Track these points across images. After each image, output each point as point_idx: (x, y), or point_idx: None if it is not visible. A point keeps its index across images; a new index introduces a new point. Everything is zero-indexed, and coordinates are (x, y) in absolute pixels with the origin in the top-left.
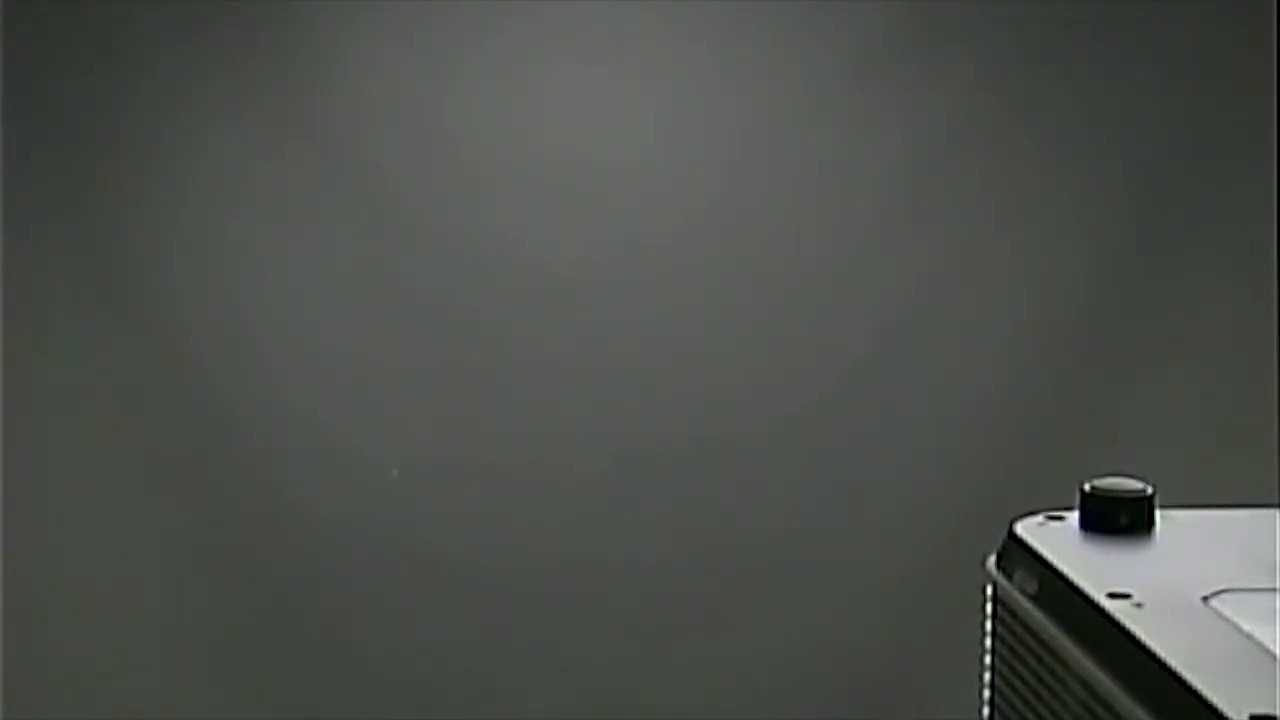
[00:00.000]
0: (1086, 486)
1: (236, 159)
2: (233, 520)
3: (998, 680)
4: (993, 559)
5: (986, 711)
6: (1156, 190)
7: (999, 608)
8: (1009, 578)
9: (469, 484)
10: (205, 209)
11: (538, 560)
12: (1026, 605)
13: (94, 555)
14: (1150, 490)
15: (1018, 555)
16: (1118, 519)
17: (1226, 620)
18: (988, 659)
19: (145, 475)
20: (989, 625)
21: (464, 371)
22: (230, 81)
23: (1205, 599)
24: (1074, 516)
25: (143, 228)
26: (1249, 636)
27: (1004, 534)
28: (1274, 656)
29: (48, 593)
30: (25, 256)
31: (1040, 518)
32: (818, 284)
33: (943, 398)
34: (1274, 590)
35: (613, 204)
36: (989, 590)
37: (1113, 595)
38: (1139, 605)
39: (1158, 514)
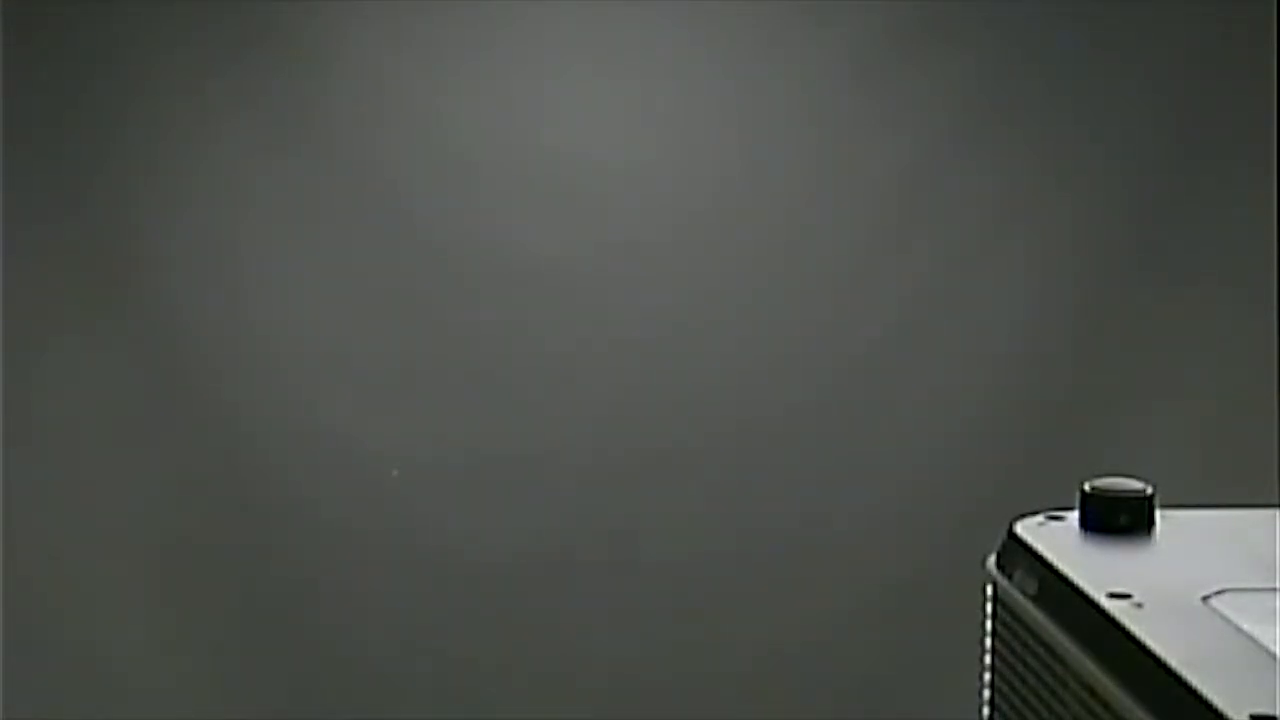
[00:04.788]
0: (1086, 486)
1: (237, 159)
2: (233, 519)
3: (998, 680)
4: (993, 559)
5: (986, 711)
6: (1156, 190)
7: (999, 608)
8: (1009, 578)
9: (470, 483)
10: (205, 209)
11: (538, 559)
12: (1026, 605)
13: (94, 554)
14: (1150, 490)
15: (1018, 555)
16: (1118, 519)
17: (1226, 620)
18: (988, 659)
19: (145, 474)
20: (989, 625)
21: (465, 371)
22: (230, 82)
23: (1205, 599)
24: (1074, 516)
25: (142, 227)
26: (1249, 636)
27: (1004, 534)
28: (1274, 656)
29: (48, 592)
30: (25, 256)
31: (1040, 518)
32: (817, 284)
33: (943, 398)
34: (1274, 590)
35: (612, 204)
36: (989, 590)
37: (1113, 595)
38: (1139, 605)
39: (1158, 514)
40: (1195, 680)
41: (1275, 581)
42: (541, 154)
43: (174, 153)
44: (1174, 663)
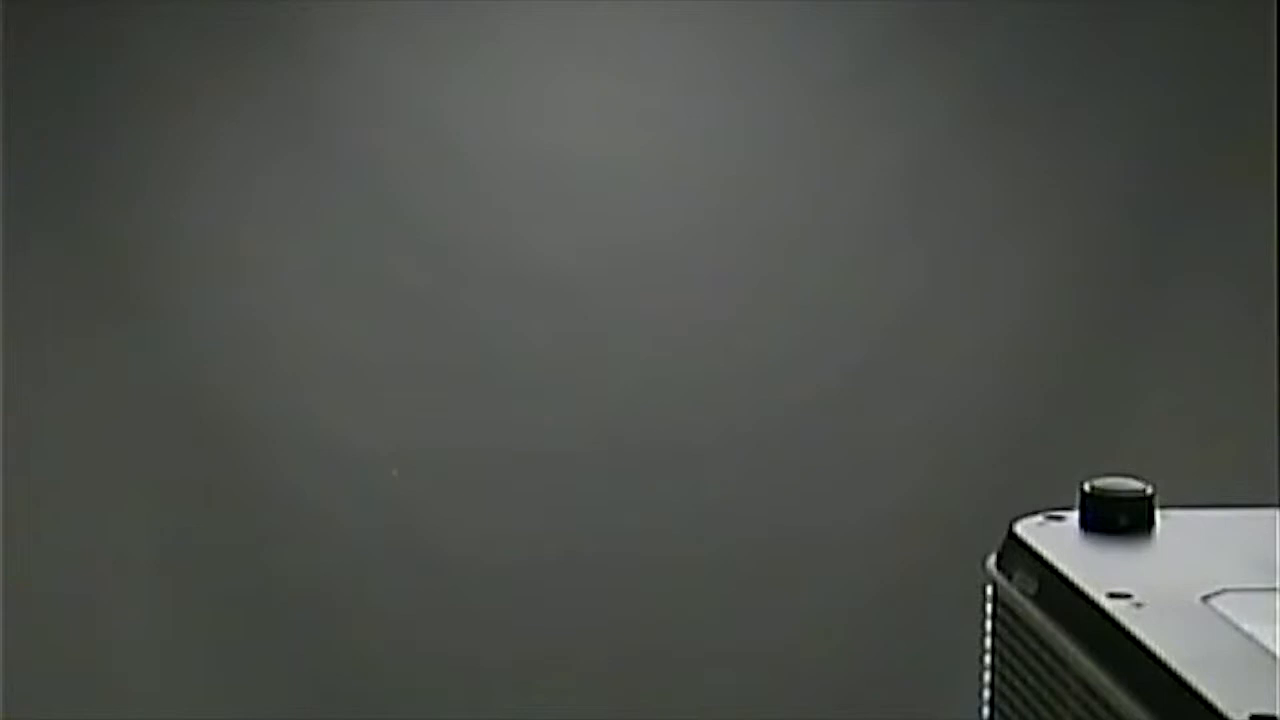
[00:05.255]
0: (1086, 486)
1: (236, 159)
2: (232, 520)
3: (998, 680)
4: (993, 559)
5: (986, 711)
6: (1156, 190)
7: (999, 608)
8: (1009, 578)
9: (469, 483)
10: (205, 208)
11: (537, 560)
12: (1026, 605)
13: (94, 555)
14: (1150, 490)
15: (1018, 555)
16: (1118, 519)
17: (1226, 620)
18: (988, 659)
19: (145, 474)
20: (989, 625)
21: (464, 370)
22: (230, 82)
23: (1205, 599)
24: (1074, 516)
25: (142, 227)
26: (1249, 636)
27: (1004, 534)
28: (1274, 656)
29: (48, 593)
30: (25, 256)
31: (1040, 518)
32: (818, 284)
33: (943, 398)
34: (1274, 590)
35: (612, 204)
36: (989, 590)
37: (1113, 595)
38: (1139, 605)
39: (1158, 514)
40: (1195, 680)
41: (1275, 581)
42: (542, 153)
43: (174, 153)
44: (1174, 663)
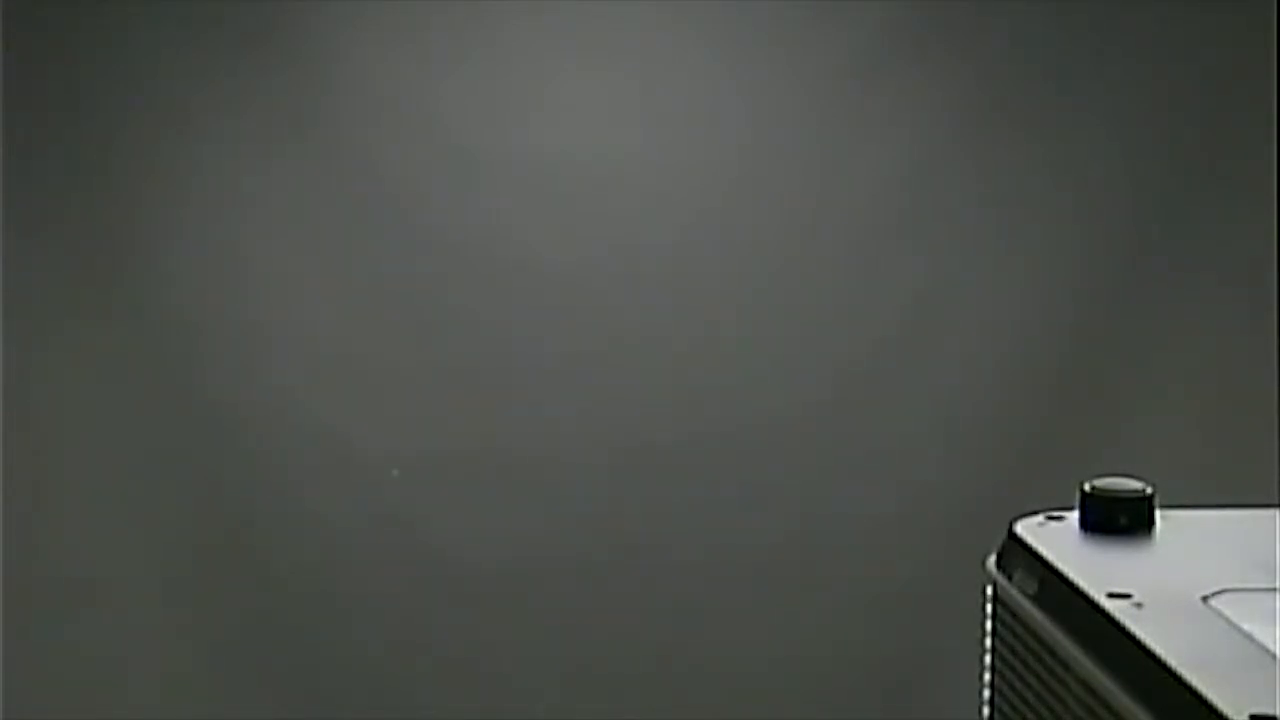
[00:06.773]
0: (1086, 486)
1: (236, 159)
2: (233, 520)
3: (998, 680)
4: (993, 559)
5: (986, 711)
6: (1157, 192)
7: (999, 608)
8: (1009, 578)
9: (470, 483)
10: (205, 209)
11: (538, 560)
12: (1026, 605)
13: (94, 554)
14: (1150, 490)
15: (1018, 555)
16: (1118, 519)
17: (1226, 620)
18: (988, 659)
19: (145, 474)
20: (989, 625)
21: (464, 371)
22: (230, 82)
23: (1205, 599)
24: (1074, 516)
25: (141, 228)
26: (1249, 636)
27: (1004, 534)
28: (1274, 656)
29: (48, 592)
30: (25, 257)
31: (1040, 518)
32: (818, 284)
33: (943, 398)
34: (1274, 590)
35: (612, 204)
36: (989, 590)
37: (1113, 595)
38: (1139, 605)
39: (1158, 514)
40: (1195, 680)
41: (1275, 581)
42: (542, 154)
43: (174, 153)
44: (1174, 663)
